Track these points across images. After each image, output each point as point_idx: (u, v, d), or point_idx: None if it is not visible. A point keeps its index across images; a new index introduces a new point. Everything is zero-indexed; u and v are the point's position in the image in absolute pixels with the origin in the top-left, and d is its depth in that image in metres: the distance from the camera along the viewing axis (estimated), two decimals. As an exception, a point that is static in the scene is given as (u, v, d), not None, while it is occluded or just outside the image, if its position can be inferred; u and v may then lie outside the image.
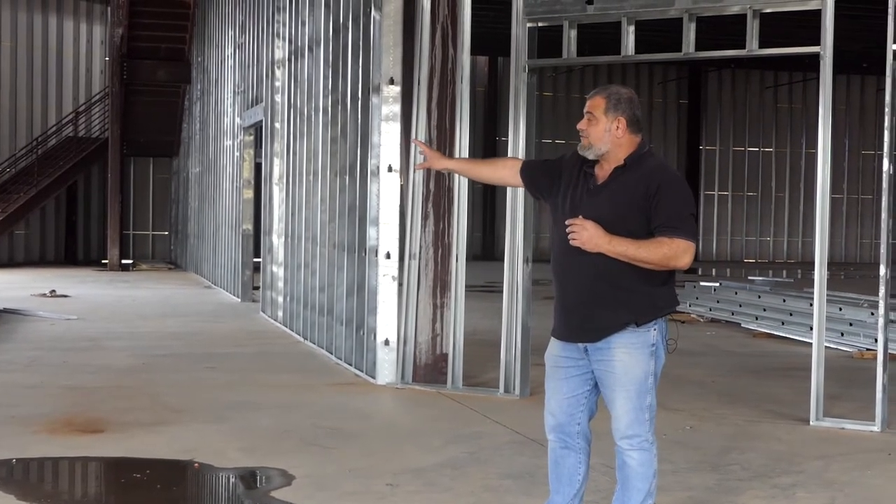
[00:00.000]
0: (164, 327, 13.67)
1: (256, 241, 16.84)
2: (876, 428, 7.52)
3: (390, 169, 9.23)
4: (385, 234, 9.22)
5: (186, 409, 8.03)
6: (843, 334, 12.28)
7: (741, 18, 7.91)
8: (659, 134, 35.32)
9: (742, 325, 14.37)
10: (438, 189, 9.19)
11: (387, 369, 9.19)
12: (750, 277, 17.98)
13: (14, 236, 27.89)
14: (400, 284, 9.21)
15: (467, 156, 9.06)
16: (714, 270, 29.26)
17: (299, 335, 12.51)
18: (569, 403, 4.52)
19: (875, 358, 7.80)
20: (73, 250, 29.36)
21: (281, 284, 14.04)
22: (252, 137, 17.96)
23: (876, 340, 8.31)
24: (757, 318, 14.20)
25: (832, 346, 11.65)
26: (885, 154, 7.41)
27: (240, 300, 17.63)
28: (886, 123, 7.47)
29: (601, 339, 4.37)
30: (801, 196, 36.72)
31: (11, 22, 28.83)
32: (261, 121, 15.74)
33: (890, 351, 7.94)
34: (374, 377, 9.30)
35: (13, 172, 27.72)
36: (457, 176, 9.02)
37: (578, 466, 4.58)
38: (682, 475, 6.16)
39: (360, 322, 9.81)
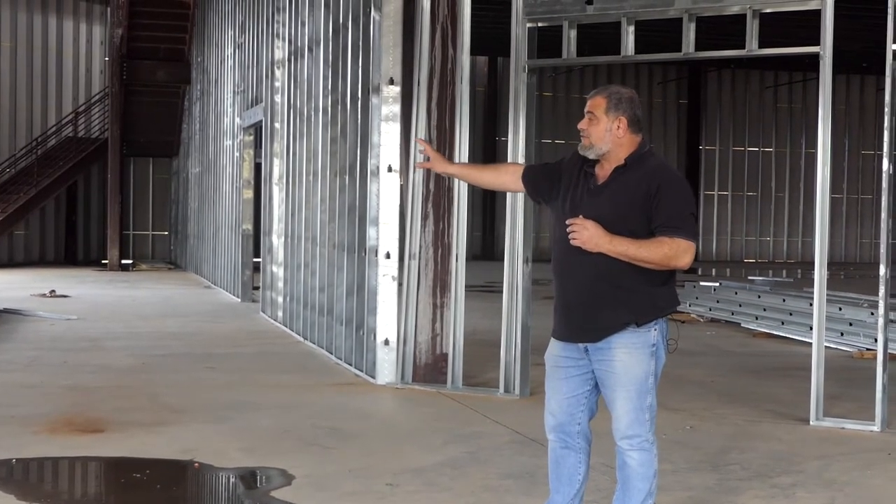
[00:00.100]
0: (163, 327, 13.67)
1: (256, 242, 16.84)
2: (876, 428, 7.52)
3: (390, 169, 9.23)
4: (385, 234, 9.22)
5: (186, 409, 8.03)
6: (843, 334, 12.28)
7: (741, 18, 7.91)
8: (659, 134, 35.32)
9: (742, 325, 14.37)
10: (438, 189, 9.19)
11: (387, 369, 9.19)
12: (750, 277, 17.98)
13: (14, 236, 27.89)
14: (400, 284, 9.20)
15: (467, 157, 9.05)
16: (714, 270, 29.27)
17: (299, 335, 12.51)
18: (569, 403, 4.52)
19: (875, 358, 7.80)
20: (73, 250, 29.36)
21: (281, 284, 14.04)
22: (252, 137, 17.97)
23: (876, 340, 8.30)
24: (757, 318, 14.20)
25: (832, 345, 11.65)
26: (884, 154, 7.42)
27: (240, 300, 17.63)
28: (886, 123, 7.47)
29: (602, 339, 4.37)
30: (801, 196, 36.74)
31: (11, 22, 28.83)
32: (260, 121, 15.74)
33: (890, 351, 7.95)
34: (373, 377, 9.30)
35: (13, 173, 27.73)
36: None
37: (578, 466, 4.58)
38: (682, 475, 6.16)
39: (359, 322, 9.81)
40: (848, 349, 11.87)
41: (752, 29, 7.78)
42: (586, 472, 4.61)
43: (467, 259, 9.06)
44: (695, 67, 35.08)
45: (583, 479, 4.60)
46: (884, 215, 7.49)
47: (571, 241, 4.28)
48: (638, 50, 8.26)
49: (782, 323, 13.58)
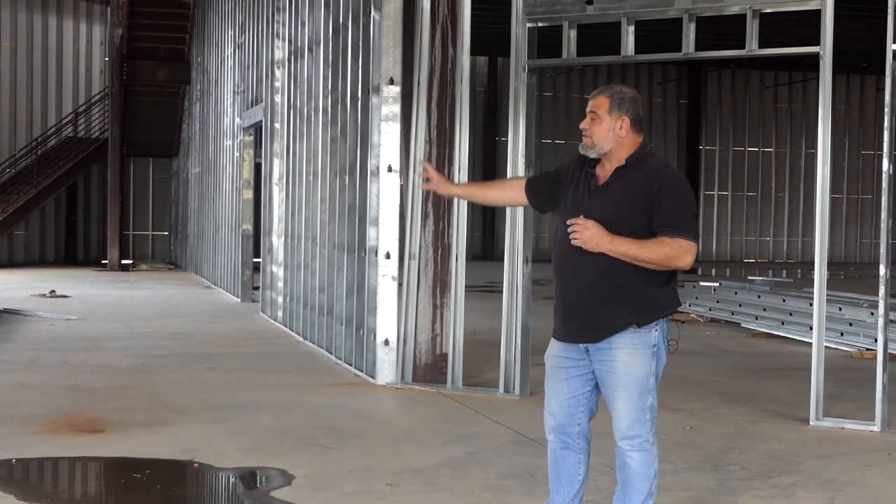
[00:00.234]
0: (163, 327, 13.67)
1: (256, 242, 16.84)
2: (876, 428, 7.52)
3: (390, 169, 9.23)
4: (385, 234, 9.22)
5: (186, 410, 8.03)
6: (842, 334, 12.28)
7: (741, 18, 7.91)
8: (659, 134, 35.32)
9: (742, 325, 14.37)
10: (438, 189, 9.18)
11: (387, 369, 9.19)
12: (750, 277, 17.98)
13: (14, 237, 27.89)
14: (400, 284, 9.20)
15: (467, 157, 9.05)
16: (714, 270, 29.27)
17: (299, 335, 12.51)
18: (569, 404, 4.52)
19: (875, 358, 7.80)
20: (73, 250, 29.36)
21: (281, 284, 14.04)
22: (252, 137, 17.97)
23: (876, 340, 8.30)
24: (757, 318, 14.20)
25: (832, 346, 11.65)
26: (884, 154, 7.42)
27: (239, 300, 17.63)
28: (886, 123, 7.47)
29: (602, 340, 4.36)
30: (801, 196, 36.74)
31: (11, 22, 28.83)
32: (260, 121, 15.74)
33: (890, 351, 7.94)
34: (373, 377, 9.30)
35: (13, 173, 27.73)
36: (457, 175, 9.02)
37: (578, 467, 4.58)
38: (682, 475, 6.16)
39: (359, 322, 9.81)
40: (848, 349, 11.87)
41: (752, 29, 7.78)
42: (586, 473, 4.61)
43: (467, 259, 9.06)
44: (695, 67, 35.09)
45: (583, 480, 4.60)
46: (884, 215, 7.49)
47: (572, 241, 4.28)
48: (638, 50, 8.26)
49: (782, 323, 13.58)
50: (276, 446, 6.80)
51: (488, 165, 33.15)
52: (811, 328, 8.26)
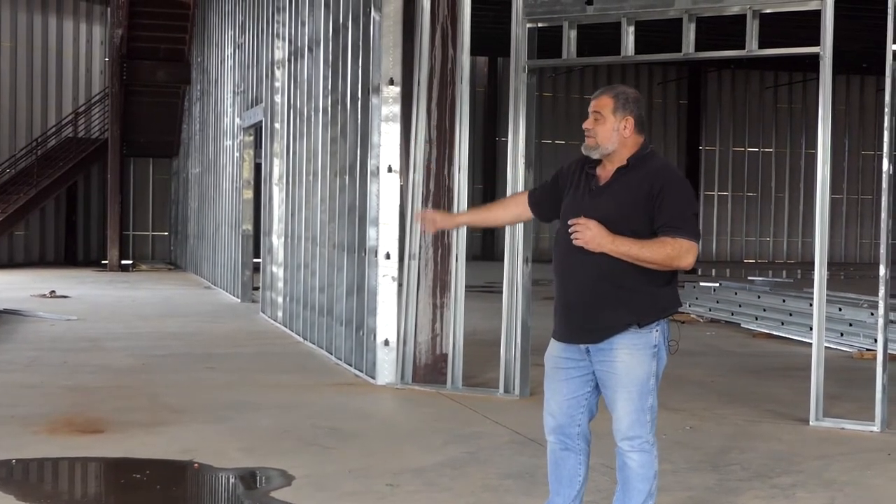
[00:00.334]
0: (163, 327, 13.67)
1: (256, 242, 16.84)
2: (876, 428, 7.52)
3: (390, 169, 9.23)
4: (385, 235, 9.22)
5: (186, 410, 8.03)
6: (842, 334, 12.28)
7: (741, 18, 7.91)
8: (659, 134, 35.32)
9: (742, 325, 14.37)
10: (438, 189, 9.19)
11: (386, 369, 9.19)
12: (750, 277, 17.99)
13: (14, 237, 27.89)
14: (400, 285, 9.20)
15: (467, 157, 9.04)
16: (714, 270, 29.27)
17: (299, 335, 12.51)
18: (569, 405, 4.51)
19: (875, 358, 7.80)
20: (73, 251, 29.36)
21: (281, 285, 14.04)
22: (252, 137, 17.97)
23: (876, 340, 8.30)
24: (757, 319, 14.20)
25: (832, 346, 11.66)
26: (884, 154, 7.42)
27: (239, 300, 17.63)
28: (886, 123, 7.47)
29: (603, 340, 4.35)
30: (801, 196, 36.75)
31: (11, 22, 28.83)
32: (261, 121, 15.74)
33: (890, 351, 7.95)
34: (373, 377, 9.30)
35: (13, 173, 27.73)
36: (457, 175, 9.03)
37: (578, 468, 4.57)
38: (682, 475, 6.16)
39: (359, 322, 9.81)
40: (848, 349, 11.87)
41: (752, 29, 7.78)
42: (586, 474, 4.60)
43: (467, 259, 9.06)
44: (695, 67, 35.09)
45: (583, 481, 4.59)
46: (884, 215, 7.49)
47: (574, 241, 4.27)
48: (638, 50, 8.26)
49: (782, 323, 13.58)
50: (276, 446, 6.80)
51: (488, 165, 33.16)
52: (811, 328, 8.26)
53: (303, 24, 12.96)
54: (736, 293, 15.30)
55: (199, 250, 23.91)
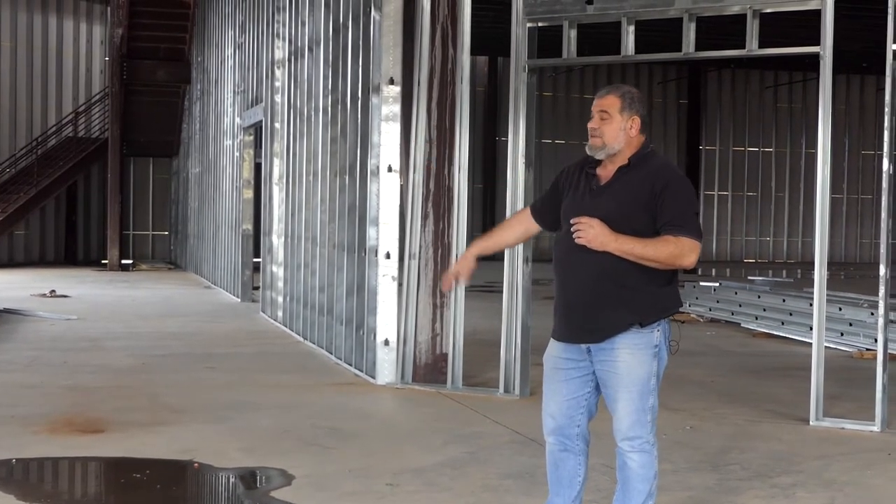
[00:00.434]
0: (163, 327, 13.67)
1: (256, 241, 16.84)
2: (876, 428, 7.52)
3: (390, 169, 9.23)
4: (385, 234, 9.22)
5: (186, 409, 8.03)
6: (843, 334, 12.28)
7: (741, 18, 7.91)
8: (659, 134, 35.31)
9: (742, 325, 14.37)
10: (438, 189, 9.19)
11: (387, 369, 9.19)
12: (750, 277, 17.99)
13: (14, 236, 27.89)
14: (400, 284, 9.20)
15: (467, 157, 9.04)
16: (714, 270, 29.27)
17: (299, 335, 12.51)
18: (568, 406, 4.50)
19: (875, 358, 7.80)
20: (73, 250, 29.36)
21: (281, 284, 14.04)
22: (252, 137, 17.97)
23: (876, 340, 8.30)
24: (757, 318, 14.20)
25: (832, 346, 11.65)
26: (884, 154, 7.41)
27: (240, 300, 17.63)
28: (886, 123, 7.47)
29: (604, 340, 4.35)
30: (801, 196, 36.74)
31: (11, 22, 28.83)
32: (261, 121, 15.74)
33: (890, 351, 7.94)
34: (373, 377, 9.30)
35: (13, 172, 27.73)
36: (457, 175, 9.04)
37: (578, 468, 4.56)
38: (682, 475, 6.16)
39: (359, 322, 9.81)
40: (848, 349, 11.87)
41: (752, 29, 7.78)
42: (586, 474, 4.60)
43: (467, 259, 9.03)
44: (695, 67, 35.07)
45: (582, 481, 4.59)
46: (884, 215, 7.49)
47: (576, 240, 4.26)
48: (638, 50, 8.26)
49: (782, 323, 13.58)
50: (276, 446, 6.80)
51: (488, 165, 33.16)
52: (811, 328, 8.26)
53: (303, 23, 12.96)
54: (736, 293, 15.29)
55: (199, 250, 23.91)
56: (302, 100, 12.89)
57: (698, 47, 8.06)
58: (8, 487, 5.87)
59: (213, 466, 6.34)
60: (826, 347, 7.93)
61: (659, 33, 10.24)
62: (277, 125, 14.56)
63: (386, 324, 9.18)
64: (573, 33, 8.43)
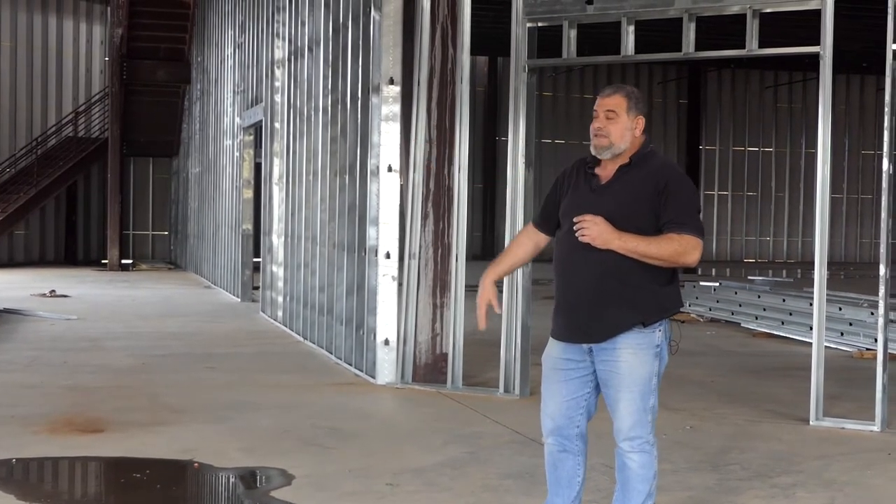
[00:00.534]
0: (163, 327, 13.67)
1: (256, 241, 16.84)
2: (876, 428, 7.52)
3: (390, 169, 9.23)
4: (385, 234, 9.22)
5: (186, 409, 8.03)
6: (843, 334, 12.28)
7: (741, 18, 7.91)
8: (659, 134, 35.30)
9: (742, 325, 14.37)
10: (438, 189, 9.19)
11: (387, 369, 9.19)
12: (750, 277, 17.98)
13: (14, 236, 27.89)
14: (400, 284, 9.20)
15: (467, 157, 9.03)
16: (714, 270, 29.26)
17: (299, 335, 12.51)
18: (568, 406, 4.49)
19: (875, 358, 7.80)
20: (73, 250, 29.36)
21: (281, 284, 14.04)
22: (252, 137, 17.97)
23: (876, 340, 8.30)
24: (757, 318, 14.20)
25: (832, 345, 11.65)
26: (884, 154, 7.42)
27: (240, 300, 17.63)
28: (886, 123, 7.46)
29: (607, 340, 4.35)
30: (801, 196, 36.73)
31: (11, 22, 28.83)
32: (261, 121, 15.74)
33: (890, 351, 7.94)
34: (373, 377, 9.30)
35: (13, 172, 27.73)
36: (457, 175, 9.04)
37: (577, 469, 4.56)
38: (682, 475, 6.16)
39: (359, 322, 9.81)
40: (848, 349, 11.87)
41: (752, 29, 7.77)
42: (585, 474, 4.59)
43: (467, 259, 9.05)
44: (695, 67, 35.05)
45: (581, 482, 4.58)
46: (884, 215, 7.49)
47: (580, 238, 4.25)
48: (638, 50, 8.26)
49: (782, 323, 13.58)
50: (276, 446, 6.80)
51: (488, 165, 33.15)
52: (811, 328, 8.26)
53: (303, 23, 12.96)
54: (736, 293, 15.29)
55: (199, 250, 23.91)
56: (302, 99, 12.89)
57: (698, 47, 8.07)
58: (8, 487, 5.87)
59: (213, 466, 6.34)
60: (826, 347, 7.93)
61: (659, 33, 10.24)
62: (277, 125, 14.56)
63: (386, 324, 9.18)
64: (573, 33, 8.43)
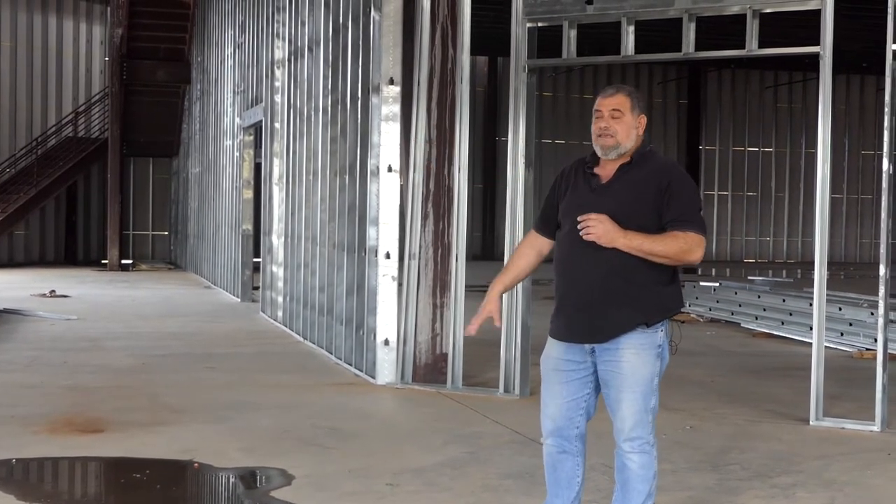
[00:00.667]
0: (163, 327, 13.67)
1: (256, 241, 16.85)
2: (876, 428, 7.52)
3: (390, 169, 9.23)
4: (385, 234, 9.22)
5: (186, 409, 8.03)
6: (842, 334, 12.28)
7: (741, 18, 7.91)
8: (659, 134, 35.31)
9: (742, 325, 14.37)
10: (438, 189, 9.19)
11: (386, 369, 9.19)
12: (750, 277, 17.98)
13: (14, 236, 27.89)
14: (400, 284, 9.20)
15: (467, 157, 9.03)
16: (714, 270, 29.26)
17: (299, 335, 12.51)
18: (568, 407, 4.48)
19: (875, 358, 7.80)
20: (73, 250, 29.36)
21: (281, 284, 14.04)
22: (252, 137, 17.97)
23: (876, 340, 8.30)
24: (757, 318, 14.20)
25: (832, 345, 11.65)
26: (884, 154, 7.41)
27: (239, 300, 17.63)
28: (886, 123, 7.46)
29: (610, 340, 4.34)
30: (801, 196, 36.74)
31: (11, 22, 28.83)
32: (261, 121, 15.74)
33: (890, 351, 7.94)
34: (373, 377, 9.30)
35: (13, 172, 27.73)
36: (457, 175, 9.04)
37: (577, 469, 4.55)
38: (682, 475, 6.16)
39: (359, 322, 9.81)
40: (848, 349, 11.87)
41: (752, 29, 7.78)
42: (584, 475, 4.59)
43: (467, 259, 9.06)
44: (695, 67, 35.08)
45: (581, 482, 4.58)
46: (884, 215, 7.49)
47: (585, 237, 4.25)
48: (638, 50, 8.26)
49: (782, 323, 13.58)
50: (276, 446, 6.80)
51: (488, 165, 33.16)
52: (811, 328, 8.26)
53: (303, 23, 12.96)
54: (736, 293, 15.30)
55: (199, 250, 23.91)
56: (302, 100, 12.89)
57: (698, 47, 8.07)
58: (8, 487, 5.87)
59: (213, 466, 6.34)
60: (826, 347, 7.93)
61: (659, 33, 10.24)
62: (277, 125, 14.56)
63: (386, 324, 9.18)
64: (573, 33, 8.43)
